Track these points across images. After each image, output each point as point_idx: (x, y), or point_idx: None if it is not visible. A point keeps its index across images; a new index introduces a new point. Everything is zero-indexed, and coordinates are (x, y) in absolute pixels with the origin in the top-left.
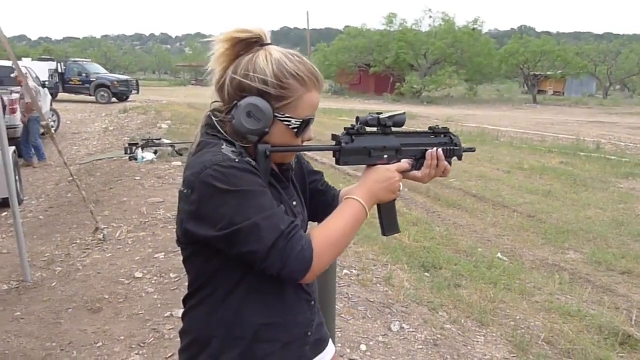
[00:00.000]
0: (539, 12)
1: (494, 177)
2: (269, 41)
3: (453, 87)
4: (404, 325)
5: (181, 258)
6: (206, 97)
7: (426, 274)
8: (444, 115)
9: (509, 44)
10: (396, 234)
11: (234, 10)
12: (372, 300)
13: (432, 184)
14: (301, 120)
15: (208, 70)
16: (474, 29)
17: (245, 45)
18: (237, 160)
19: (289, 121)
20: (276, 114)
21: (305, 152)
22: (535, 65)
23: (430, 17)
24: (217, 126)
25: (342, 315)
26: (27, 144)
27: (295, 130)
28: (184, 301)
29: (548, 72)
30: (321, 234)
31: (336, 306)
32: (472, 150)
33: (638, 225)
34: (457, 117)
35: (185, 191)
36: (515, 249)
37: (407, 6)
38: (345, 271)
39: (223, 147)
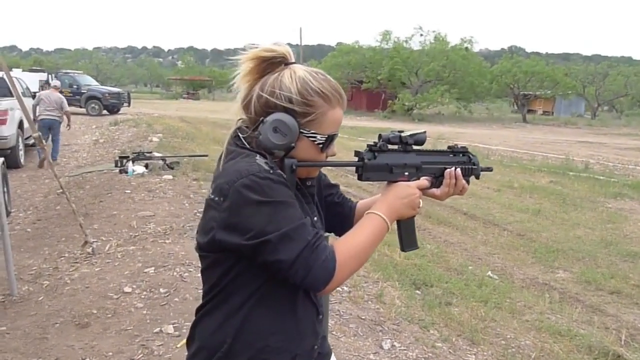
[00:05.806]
0: (529, 32)
1: (484, 196)
2: (293, 60)
3: (445, 106)
4: (395, 343)
5: (170, 273)
6: (200, 110)
7: (417, 291)
8: (436, 133)
9: (500, 63)
10: (414, 250)
11: (226, 25)
12: (363, 317)
13: (424, 202)
14: (326, 136)
15: (234, 87)
16: (466, 48)
17: (270, 64)
18: (271, 172)
19: (315, 137)
20: (302, 130)
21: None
22: (525, 85)
23: (421, 35)
24: (245, 143)
25: (334, 332)
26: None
27: (321, 145)
28: (198, 310)
29: (538, 92)
30: (344, 247)
31: (328, 323)
32: (489, 169)
33: (626, 245)
34: (448, 135)
35: (216, 199)
36: (505, 267)
37: (399, 24)
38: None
39: (257, 158)
